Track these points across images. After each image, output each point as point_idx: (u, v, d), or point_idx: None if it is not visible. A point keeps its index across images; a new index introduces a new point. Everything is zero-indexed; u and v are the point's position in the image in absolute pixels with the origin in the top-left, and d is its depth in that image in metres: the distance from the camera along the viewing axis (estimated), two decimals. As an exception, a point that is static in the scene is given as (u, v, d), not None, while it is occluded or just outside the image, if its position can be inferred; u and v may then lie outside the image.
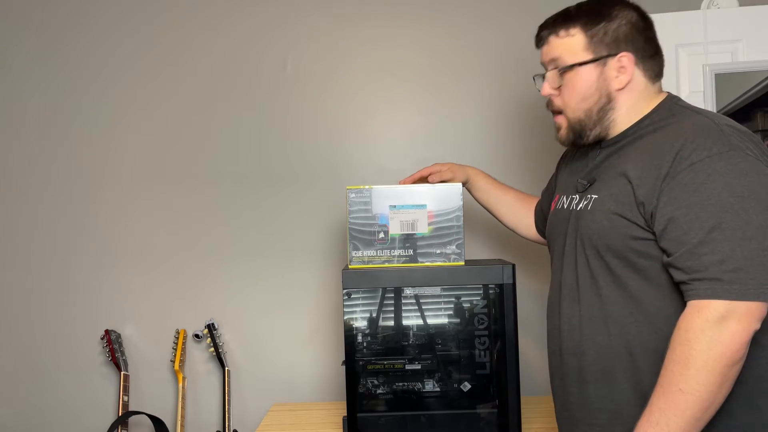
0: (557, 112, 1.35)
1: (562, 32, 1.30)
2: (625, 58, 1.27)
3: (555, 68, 1.31)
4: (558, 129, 1.36)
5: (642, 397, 1.18)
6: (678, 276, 1.12)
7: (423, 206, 1.68)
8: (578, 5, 1.32)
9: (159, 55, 2.24)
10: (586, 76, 1.28)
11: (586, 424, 1.27)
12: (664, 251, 1.15)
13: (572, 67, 1.28)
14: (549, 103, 1.36)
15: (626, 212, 1.19)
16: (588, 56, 1.27)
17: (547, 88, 1.33)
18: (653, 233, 1.16)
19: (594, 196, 1.27)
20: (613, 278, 1.22)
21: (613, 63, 1.27)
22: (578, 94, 1.29)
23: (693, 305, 1.09)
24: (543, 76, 1.35)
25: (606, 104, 1.28)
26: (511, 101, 2.20)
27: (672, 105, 1.28)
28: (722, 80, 1.82)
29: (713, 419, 1.10)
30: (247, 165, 2.23)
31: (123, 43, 2.25)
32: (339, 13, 2.23)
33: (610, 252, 1.21)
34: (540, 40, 1.35)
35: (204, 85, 2.24)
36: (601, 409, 1.24)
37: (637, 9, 1.30)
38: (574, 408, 1.30)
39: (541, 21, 1.36)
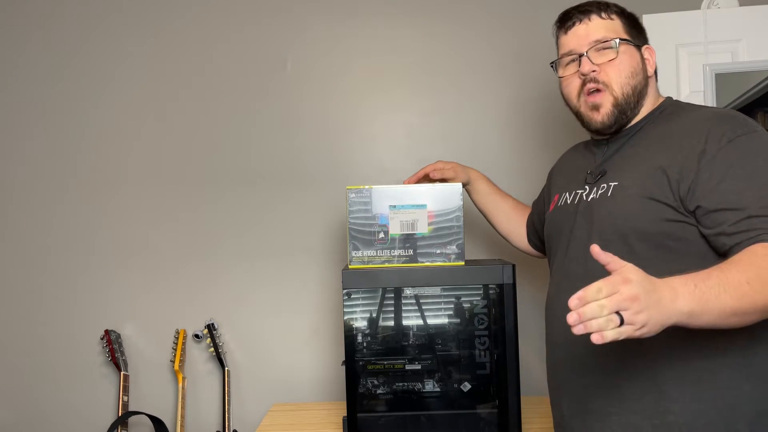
0: (598, 90, 1.31)
1: (603, 14, 1.33)
2: (649, 51, 1.36)
3: (601, 46, 1.30)
4: (597, 108, 1.32)
5: (658, 383, 1.19)
6: (735, 239, 1.11)
7: (423, 206, 1.68)
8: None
9: (160, 57, 2.25)
10: (635, 55, 1.33)
11: (603, 413, 1.26)
12: (710, 224, 1.14)
13: (625, 41, 1.32)
14: (590, 80, 1.31)
15: (658, 195, 1.19)
16: (629, 39, 1.33)
17: (589, 65, 1.31)
18: (685, 213, 1.17)
19: (613, 183, 1.28)
20: (635, 262, 1.21)
21: (643, 51, 1.35)
22: (629, 68, 1.31)
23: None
24: (577, 58, 1.33)
25: (644, 87, 1.33)
26: (511, 102, 2.20)
27: (676, 102, 1.36)
28: (722, 80, 1.82)
29: (731, 400, 1.14)
30: (246, 165, 2.23)
31: (126, 45, 2.25)
32: (339, 13, 2.23)
33: (637, 235, 1.22)
34: (577, 20, 1.34)
35: (203, 85, 2.24)
36: (619, 396, 1.23)
37: None
38: (589, 398, 1.28)
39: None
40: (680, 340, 1.17)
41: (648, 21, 1.88)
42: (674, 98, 1.38)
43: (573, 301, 0.95)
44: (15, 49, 2.26)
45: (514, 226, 1.75)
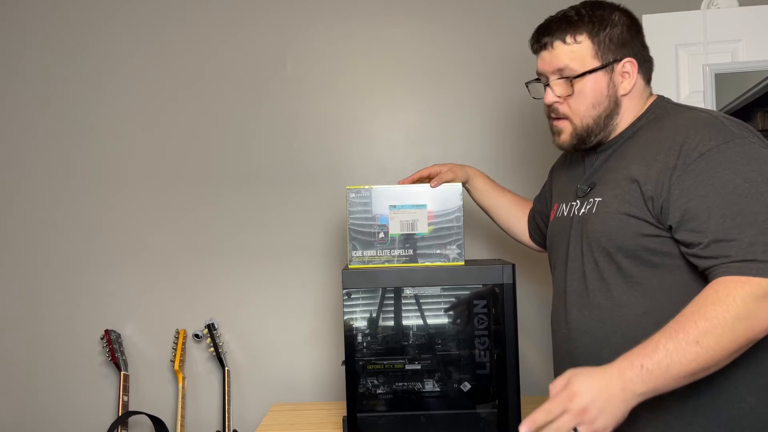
0: (561, 118, 1.33)
1: (568, 38, 1.28)
2: (629, 64, 1.29)
3: (562, 77, 1.29)
4: (559, 133, 1.34)
5: (656, 398, 1.17)
6: (705, 263, 1.11)
7: (423, 206, 1.68)
8: (577, 11, 1.30)
9: (160, 57, 2.25)
10: (597, 84, 1.28)
11: None
12: (683, 243, 1.14)
13: (583, 75, 1.27)
14: (552, 110, 1.34)
15: (634, 211, 1.19)
16: (596, 63, 1.27)
17: (551, 96, 1.32)
18: (664, 228, 1.16)
19: (598, 199, 1.27)
20: (624, 279, 1.22)
21: (618, 68, 1.28)
22: (589, 101, 1.28)
23: (733, 278, 1.06)
24: (544, 84, 1.34)
25: (613, 110, 1.29)
26: (511, 101, 2.20)
27: (664, 104, 1.31)
28: (722, 80, 1.82)
29: (735, 413, 1.13)
30: (246, 165, 2.23)
31: (126, 46, 2.25)
32: (339, 13, 2.23)
33: (621, 252, 1.21)
34: (542, 46, 1.32)
35: (203, 85, 2.24)
36: None
37: (628, 13, 1.32)
38: None
39: (543, 20, 1.35)
40: None
41: (648, 21, 1.88)
42: (667, 97, 1.35)
43: (523, 427, 1.00)
44: (16, 50, 2.26)
45: (514, 221, 1.75)
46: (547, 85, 1.33)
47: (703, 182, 1.11)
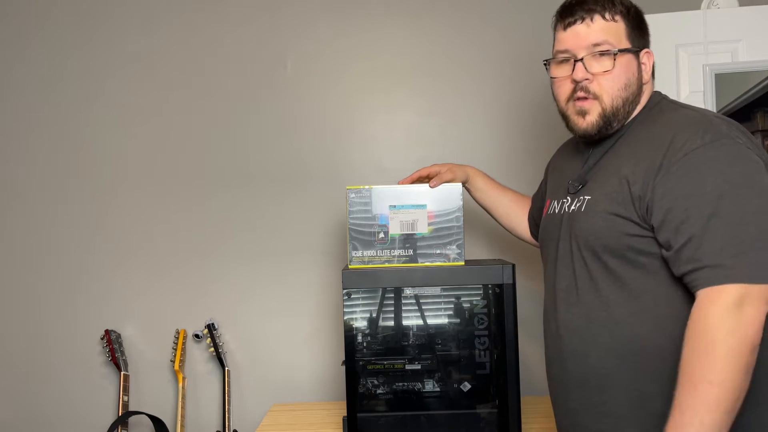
0: (588, 98, 1.26)
1: (608, 15, 1.25)
2: (647, 56, 1.30)
3: (599, 52, 1.24)
4: (584, 114, 1.26)
5: (644, 399, 1.18)
6: (680, 268, 1.11)
7: (423, 206, 1.68)
8: None
9: (160, 56, 2.25)
10: (632, 64, 1.26)
11: (592, 429, 1.25)
12: (663, 244, 1.14)
13: (624, 51, 1.25)
14: (580, 89, 1.26)
15: (621, 210, 1.18)
16: (629, 45, 1.26)
17: (583, 72, 1.25)
18: (650, 228, 1.16)
19: (587, 197, 1.27)
20: (613, 279, 1.21)
21: (641, 56, 1.29)
22: (624, 80, 1.25)
23: (704, 294, 1.07)
24: (573, 61, 1.26)
25: (637, 96, 1.28)
26: (511, 101, 2.20)
27: (658, 101, 1.30)
28: (722, 80, 1.82)
29: None
30: (246, 165, 2.23)
31: (125, 45, 2.25)
32: (339, 13, 2.23)
33: (608, 252, 1.21)
34: (579, 19, 1.26)
35: (203, 85, 2.24)
36: (607, 413, 1.23)
37: None
38: (579, 414, 1.28)
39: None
40: (666, 356, 1.16)
41: (648, 21, 1.88)
42: (663, 93, 1.33)
43: None
44: (13, 50, 2.25)
45: (515, 218, 1.74)
46: (577, 61, 1.26)
47: (685, 182, 1.11)
